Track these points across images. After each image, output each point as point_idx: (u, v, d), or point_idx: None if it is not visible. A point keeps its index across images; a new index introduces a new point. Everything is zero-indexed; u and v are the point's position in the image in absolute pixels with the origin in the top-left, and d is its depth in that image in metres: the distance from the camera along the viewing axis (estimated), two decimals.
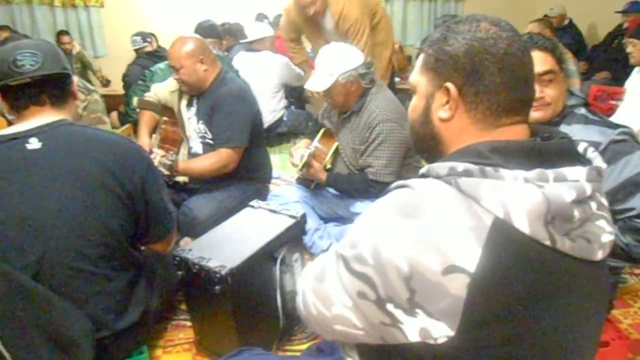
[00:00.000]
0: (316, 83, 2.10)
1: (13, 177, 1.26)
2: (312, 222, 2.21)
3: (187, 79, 2.22)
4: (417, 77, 0.88)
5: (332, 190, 2.31)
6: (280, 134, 3.98)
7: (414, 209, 0.72)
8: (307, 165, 2.22)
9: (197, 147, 2.37)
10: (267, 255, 1.53)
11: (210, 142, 2.30)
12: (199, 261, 1.42)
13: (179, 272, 1.49)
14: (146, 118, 2.49)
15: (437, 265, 0.68)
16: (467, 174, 0.72)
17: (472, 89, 0.78)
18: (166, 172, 1.92)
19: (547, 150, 0.75)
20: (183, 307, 1.80)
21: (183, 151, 2.46)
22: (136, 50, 4.36)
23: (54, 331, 1.22)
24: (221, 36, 3.70)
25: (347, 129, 2.21)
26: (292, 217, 1.64)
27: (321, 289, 0.86)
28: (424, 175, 0.79)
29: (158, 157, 1.91)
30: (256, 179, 2.43)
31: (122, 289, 1.40)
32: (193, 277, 1.45)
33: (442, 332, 0.70)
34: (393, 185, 0.80)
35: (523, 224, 0.67)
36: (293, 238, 1.62)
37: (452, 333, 0.69)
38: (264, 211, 1.70)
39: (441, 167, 0.76)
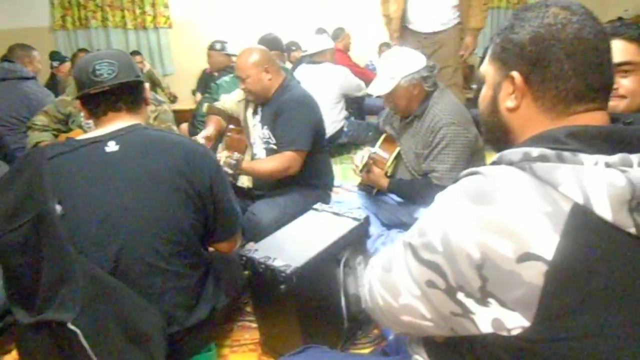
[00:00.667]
0: (378, 87, 2.10)
1: (94, 177, 1.34)
2: (374, 229, 2.20)
3: (253, 88, 2.30)
4: (486, 67, 0.87)
5: (394, 196, 2.29)
6: (341, 145, 4.01)
7: (485, 195, 0.70)
8: (367, 167, 2.19)
9: (260, 153, 2.44)
10: (330, 256, 1.54)
11: (274, 147, 2.36)
12: (265, 260, 1.45)
13: (245, 272, 1.52)
14: (214, 120, 2.59)
15: (510, 252, 0.66)
16: (543, 159, 0.70)
17: (538, 77, 0.77)
18: (230, 171, 1.97)
19: (629, 136, 0.71)
20: (249, 309, 1.84)
21: (247, 158, 2.53)
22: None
23: (130, 325, 1.27)
24: (283, 48, 3.80)
25: (409, 133, 2.19)
26: (355, 219, 1.64)
27: (388, 279, 0.85)
28: (495, 163, 0.77)
29: (223, 157, 1.97)
30: (318, 186, 2.45)
31: (193, 286, 1.45)
32: (259, 277, 1.48)
33: (516, 322, 0.67)
34: (463, 173, 0.79)
35: (605, 210, 0.64)
36: (356, 241, 1.62)
37: (527, 324, 0.67)
38: (328, 214, 1.72)
39: (514, 153, 0.74)
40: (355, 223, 1.62)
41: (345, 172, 3.63)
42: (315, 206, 1.77)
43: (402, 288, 0.82)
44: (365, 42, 5.83)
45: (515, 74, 0.78)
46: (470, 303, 0.72)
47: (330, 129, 3.76)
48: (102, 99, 1.41)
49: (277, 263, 1.43)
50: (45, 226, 1.26)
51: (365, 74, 4.56)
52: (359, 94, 3.98)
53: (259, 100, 2.40)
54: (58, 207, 1.28)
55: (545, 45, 0.75)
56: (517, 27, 0.79)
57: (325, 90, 3.75)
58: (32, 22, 5.88)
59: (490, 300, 0.69)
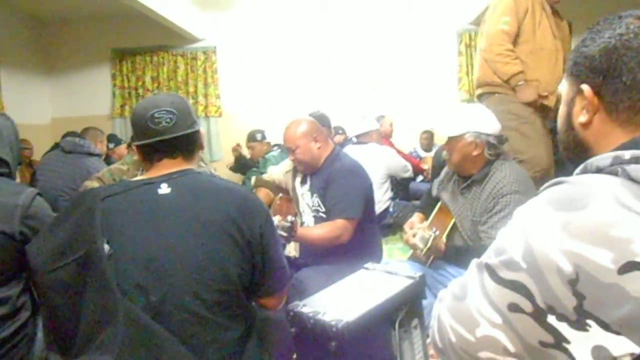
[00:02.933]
0: (445, 127, 2.05)
1: (143, 219, 1.31)
2: (427, 303, 2.05)
3: (303, 158, 2.32)
4: (562, 84, 0.84)
5: (449, 269, 2.16)
6: (386, 225, 3.93)
7: (574, 201, 0.63)
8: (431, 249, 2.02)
9: (309, 221, 2.40)
10: (384, 315, 1.40)
11: (323, 215, 2.32)
12: (314, 315, 1.34)
13: (292, 330, 1.41)
14: (263, 192, 2.60)
15: (609, 262, 0.57)
16: (637, 160, 0.63)
17: (610, 89, 0.72)
18: (285, 234, 1.93)
19: None
20: None
21: (292, 218, 2.50)
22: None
23: None
24: (331, 126, 3.90)
25: (467, 199, 2.10)
26: (409, 277, 1.52)
27: (462, 309, 0.75)
28: (579, 173, 0.70)
29: (276, 221, 1.94)
30: (367, 256, 2.35)
31: (237, 340, 1.34)
32: (307, 334, 1.36)
33: (624, 348, 0.56)
34: (544, 185, 0.72)
35: None
36: (412, 300, 1.48)
37: (638, 350, 0.56)
38: (379, 272, 1.61)
39: (602, 159, 0.67)
40: (410, 281, 1.50)
41: (391, 252, 3.52)
42: (366, 265, 1.67)
43: (480, 317, 0.72)
44: (405, 130, 5.94)
45: (585, 87, 0.75)
46: (563, 328, 0.61)
47: (375, 208, 3.71)
48: (158, 147, 1.42)
49: (328, 317, 1.31)
50: (91, 265, 1.22)
51: (410, 160, 4.58)
52: (405, 175, 3.96)
53: (309, 170, 2.41)
54: (106, 247, 1.25)
55: (616, 55, 0.71)
56: (588, 41, 0.77)
57: (372, 170, 3.73)
58: (95, 111, 6.34)
59: (589, 322, 0.59)
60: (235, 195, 1.40)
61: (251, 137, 4.47)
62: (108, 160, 5.17)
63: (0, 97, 5.03)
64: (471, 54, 6.20)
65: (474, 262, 0.76)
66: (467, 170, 2.07)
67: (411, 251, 2.26)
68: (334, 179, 2.29)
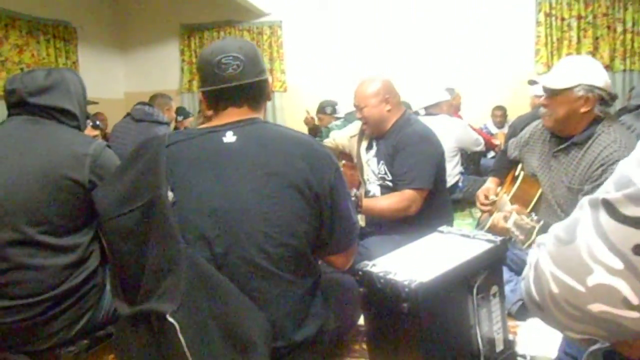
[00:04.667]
0: (550, 79, 1.81)
1: (207, 167, 1.27)
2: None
3: (371, 117, 2.21)
4: None
5: None
6: (455, 201, 3.74)
7: None
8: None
9: (375, 190, 2.29)
10: (461, 279, 1.30)
11: (390, 184, 2.21)
12: (385, 274, 1.25)
13: (361, 289, 1.33)
14: None
15: None
16: None
17: None
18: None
19: None
20: (357, 347, 1.62)
21: (357, 191, 2.40)
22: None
23: (232, 328, 1.13)
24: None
25: (562, 163, 1.88)
26: (489, 241, 1.40)
27: (568, 254, 0.63)
28: None
29: None
30: (436, 227, 2.22)
31: (301, 296, 1.28)
32: (376, 294, 1.27)
33: None
34: None
35: None
36: (492, 266, 1.37)
37: None
38: (455, 236, 1.49)
39: None
40: (490, 245, 1.38)
41: None
42: (440, 228, 1.56)
43: (593, 263, 0.59)
44: (475, 105, 5.66)
45: None
46: None
47: None
48: (224, 94, 1.36)
49: (400, 277, 1.22)
50: (156, 213, 1.19)
51: (481, 135, 4.35)
52: (477, 148, 3.75)
53: (376, 132, 2.29)
54: (170, 194, 1.21)
55: None
56: None
57: (441, 143, 3.58)
58: (165, 86, 6.50)
59: None
60: (304, 146, 1.32)
61: (320, 109, 4.39)
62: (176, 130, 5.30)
63: (77, 72, 5.25)
64: (551, 23, 5.78)
65: (586, 199, 0.63)
66: (568, 130, 1.84)
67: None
68: (404, 146, 2.16)
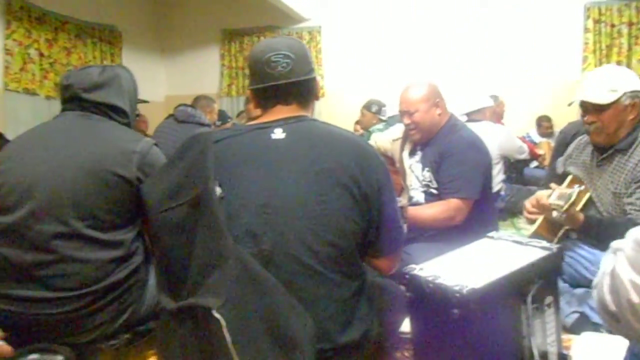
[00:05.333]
0: (593, 94, 1.77)
1: (255, 164, 1.26)
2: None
3: (421, 122, 2.16)
4: None
5: (581, 251, 1.90)
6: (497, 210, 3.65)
7: None
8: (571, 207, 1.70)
9: (418, 196, 2.24)
10: (514, 288, 1.24)
11: (434, 191, 2.15)
12: (434, 279, 1.21)
13: (407, 294, 1.29)
14: None
15: None
16: None
17: None
18: None
19: None
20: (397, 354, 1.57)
21: (403, 200, 2.35)
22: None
23: (278, 326, 1.11)
24: None
25: (606, 172, 1.84)
26: (545, 248, 1.33)
27: None
28: None
29: None
30: (481, 235, 2.16)
31: (348, 299, 1.25)
32: (424, 300, 1.23)
33: None
34: None
35: None
36: (547, 275, 1.30)
37: None
38: (506, 242, 1.43)
39: None
40: (546, 252, 1.32)
41: None
42: (490, 234, 1.50)
43: None
44: (518, 113, 5.51)
45: None
46: None
47: None
48: (273, 92, 1.35)
49: (450, 282, 1.18)
50: (203, 207, 1.19)
51: (525, 144, 4.23)
52: (520, 156, 3.65)
53: (424, 138, 2.24)
54: (218, 190, 1.20)
55: None
56: None
57: None
58: (205, 90, 6.59)
59: None
60: (353, 145, 1.30)
61: (367, 105, 4.35)
62: None
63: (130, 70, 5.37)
64: (600, 30, 5.59)
65: None
66: (615, 139, 1.79)
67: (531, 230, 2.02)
68: (451, 153, 2.10)
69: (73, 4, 5.48)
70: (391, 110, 4.33)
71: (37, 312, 1.49)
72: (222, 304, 1.06)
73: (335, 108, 6.15)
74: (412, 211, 2.06)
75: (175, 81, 6.93)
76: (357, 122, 5.37)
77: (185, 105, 3.64)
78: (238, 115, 5.49)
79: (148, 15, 6.88)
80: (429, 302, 1.21)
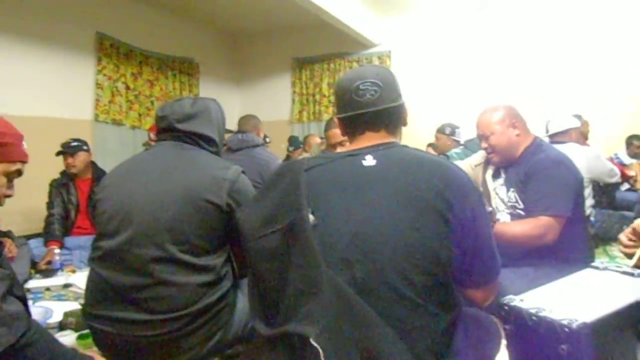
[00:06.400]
0: None
1: (347, 191, 1.25)
2: None
3: (499, 145, 2.10)
4: None
5: None
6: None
7: None
8: None
9: (505, 218, 2.16)
10: (628, 323, 1.15)
11: (521, 212, 2.06)
12: (537, 311, 1.14)
13: (506, 327, 1.22)
14: None
15: None
16: None
17: None
18: None
19: None
20: None
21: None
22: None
23: (374, 356, 1.08)
24: None
25: None
26: None
27: None
28: None
29: None
30: (575, 261, 2.03)
31: (444, 331, 1.20)
32: (527, 333, 1.16)
33: None
34: None
35: None
36: None
37: None
38: (614, 273, 1.34)
39: None
40: None
41: None
42: (594, 263, 1.41)
43: None
44: (604, 133, 5.21)
45: None
46: None
47: None
48: (362, 120, 1.35)
49: (556, 316, 1.11)
50: (297, 235, 1.19)
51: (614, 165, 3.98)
52: (611, 180, 3.42)
53: (505, 161, 2.17)
54: (311, 217, 1.21)
55: None
56: None
57: None
58: (277, 117, 6.79)
59: None
60: (446, 170, 1.27)
61: (440, 129, 4.31)
62: (288, 160, 5.47)
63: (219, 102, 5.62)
64: None
65: None
66: None
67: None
68: (537, 171, 2.02)
69: (156, 40, 5.85)
70: (466, 132, 4.24)
71: (133, 333, 1.55)
72: (319, 332, 1.05)
73: (406, 132, 6.06)
74: (500, 227, 1.97)
75: (249, 109, 7.15)
76: (429, 146, 5.29)
77: (233, 132, 3.65)
78: (305, 139, 5.58)
79: (223, 47, 7.20)
80: (532, 336, 1.15)
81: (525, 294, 1.28)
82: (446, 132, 4.17)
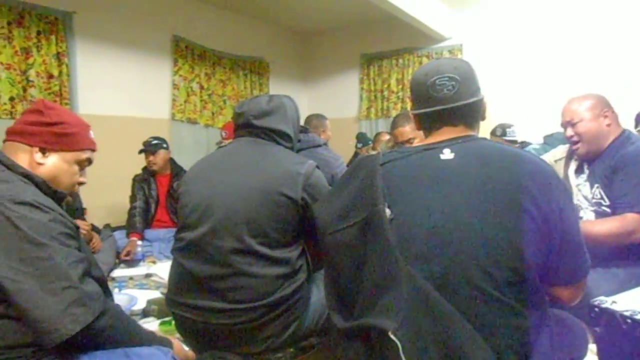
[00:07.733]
0: None
1: (425, 185, 1.23)
2: None
3: (586, 133, 2.00)
4: None
5: None
6: None
7: None
8: None
9: (588, 216, 2.05)
10: None
11: (607, 209, 1.95)
12: (633, 314, 1.07)
13: (596, 329, 1.16)
14: None
15: None
16: None
17: None
18: None
19: None
20: None
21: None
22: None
23: (454, 354, 1.06)
24: None
25: None
26: None
27: None
28: None
29: None
30: None
31: (528, 330, 1.15)
32: (620, 336, 1.10)
33: None
34: None
35: None
36: None
37: None
38: None
39: None
40: None
41: None
42: None
43: None
44: None
45: None
46: None
47: None
48: (438, 116, 1.32)
49: None
50: (373, 229, 1.19)
51: None
52: None
53: (591, 152, 2.05)
54: (388, 211, 1.20)
55: None
56: None
57: None
58: (344, 114, 6.80)
59: None
60: (529, 163, 1.22)
61: (491, 131, 4.19)
62: (356, 156, 5.46)
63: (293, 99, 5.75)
64: None
65: None
66: None
67: None
68: (625, 165, 1.90)
69: (228, 41, 6.03)
70: (545, 128, 4.06)
71: (213, 321, 1.62)
72: (398, 326, 1.05)
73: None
74: (583, 225, 1.86)
75: (317, 106, 7.22)
76: None
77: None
78: (376, 135, 5.54)
79: (292, 46, 7.31)
80: (626, 340, 1.08)
81: (617, 296, 1.21)
82: (497, 133, 4.04)
